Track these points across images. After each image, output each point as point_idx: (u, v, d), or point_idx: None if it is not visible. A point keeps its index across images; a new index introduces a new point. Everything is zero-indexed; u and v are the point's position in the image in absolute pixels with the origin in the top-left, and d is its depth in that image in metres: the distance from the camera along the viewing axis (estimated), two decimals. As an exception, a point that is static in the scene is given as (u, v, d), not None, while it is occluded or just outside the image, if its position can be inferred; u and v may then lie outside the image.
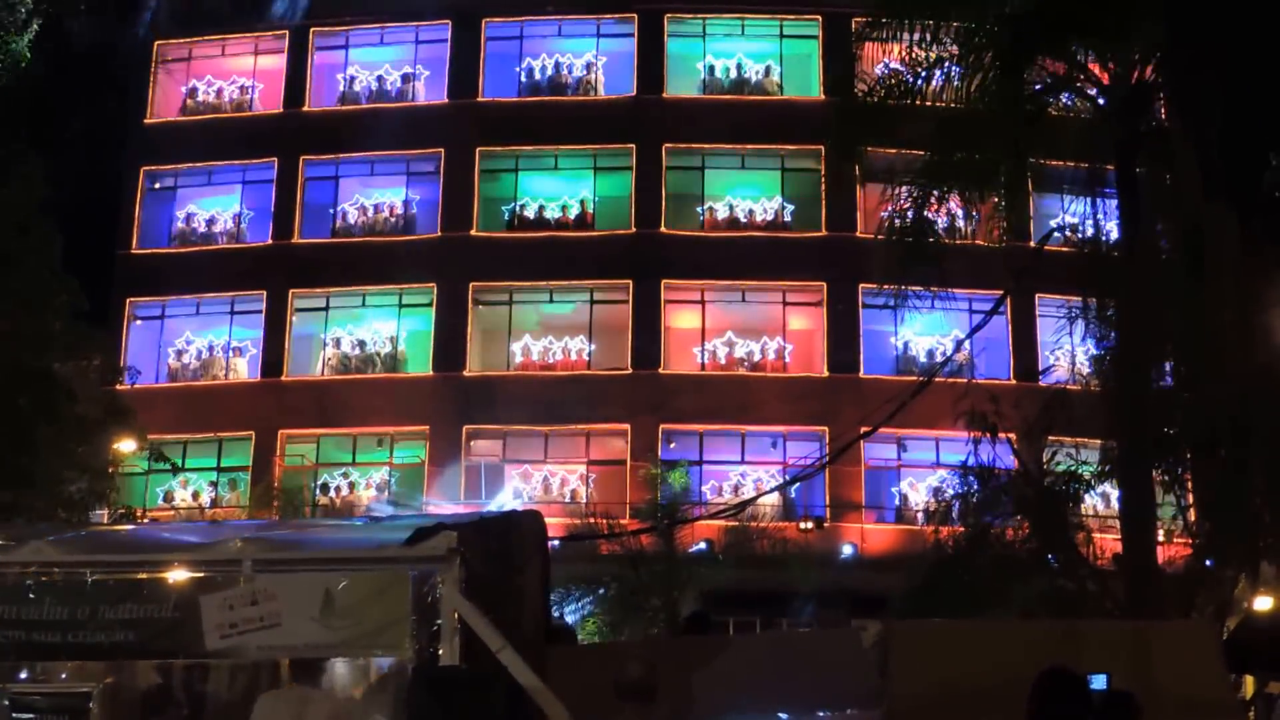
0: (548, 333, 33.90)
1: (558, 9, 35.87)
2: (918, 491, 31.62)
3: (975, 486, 17.14)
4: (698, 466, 32.08)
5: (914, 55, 15.15)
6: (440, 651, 6.18)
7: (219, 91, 36.84)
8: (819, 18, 34.77)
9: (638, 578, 26.79)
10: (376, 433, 33.60)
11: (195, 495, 33.01)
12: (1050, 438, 17.50)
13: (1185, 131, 14.23)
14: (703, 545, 28.54)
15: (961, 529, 17.53)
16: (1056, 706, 5.75)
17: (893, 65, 15.56)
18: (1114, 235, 16.18)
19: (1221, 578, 16.00)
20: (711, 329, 33.68)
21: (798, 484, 28.23)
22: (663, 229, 34.15)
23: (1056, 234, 18.02)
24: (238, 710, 8.89)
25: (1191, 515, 16.58)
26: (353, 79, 36.21)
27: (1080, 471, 17.02)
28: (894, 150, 16.51)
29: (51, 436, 18.80)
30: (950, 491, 18.51)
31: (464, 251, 34.18)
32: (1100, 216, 16.65)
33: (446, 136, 34.97)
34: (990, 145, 14.76)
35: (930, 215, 15.16)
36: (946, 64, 15.14)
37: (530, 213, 34.78)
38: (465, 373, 33.73)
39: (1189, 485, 16.60)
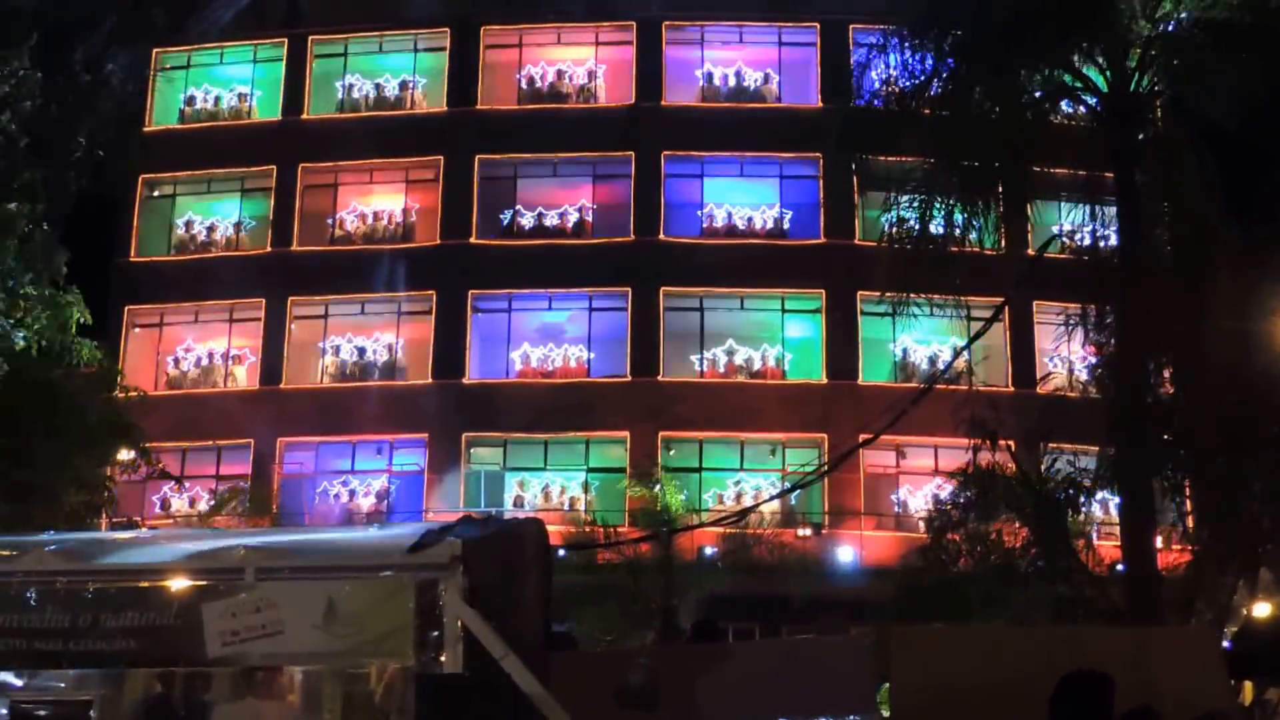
0: (547, 340, 33.92)
1: (556, 17, 35.93)
2: (917, 498, 31.63)
3: (973, 494, 17.11)
4: (697, 473, 32.09)
5: (913, 64, 15.18)
6: (443, 659, 6.19)
7: (217, 99, 36.88)
8: (817, 25, 34.86)
9: (636, 586, 26.79)
10: (376, 440, 33.60)
11: (193, 503, 32.98)
12: (1049, 444, 17.48)
13: (1184, 139, 14.29)
14: (709, 551, 28.57)
15: (959, 536, 17.52)
16: (1082, 709, 5.73)
17: (892, 74, 15.59)
18: (1113, 242, 16.19)
19: (1220, 584, 15.98)
20: (710, 336, 33.69)
21: (797, 491, 28.21)
22: (661, 236, 34.20)
23: (1056, 241, 18.03)
24: (238, 719, 8.89)
25: (1190, 521, 16.57)
26: (351, 87, 36.25)
27: (1079, 478, 17.01)
28: (894, 158, 16.52)
29: (51, 448, 18.79)
30: (948, 498, 18.50)
31: (463, 259, 34.21)
32: (1098, 222, 16.65)
33: (445, 144, 35.03)
34: (990, 153, 14.79)
35: (930, 224, 15.18)
36: (945, 73, 15.17)
37: (529, 220, 34.82)
38: (464, 380, 33.75)
39: (1188, 491, 16.59)
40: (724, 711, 7.74)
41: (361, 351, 34.41)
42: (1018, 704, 6.18)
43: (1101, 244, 16.85)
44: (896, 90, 15.50)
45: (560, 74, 35.65)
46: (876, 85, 16.05)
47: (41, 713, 8.15)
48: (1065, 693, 5.79)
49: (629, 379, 33.21)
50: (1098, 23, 14.30)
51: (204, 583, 6.60)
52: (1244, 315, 14.36)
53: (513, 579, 7.10)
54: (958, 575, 17.31)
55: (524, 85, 35.72)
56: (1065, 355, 25.27)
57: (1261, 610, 17.25)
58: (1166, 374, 16.08)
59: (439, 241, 34.69)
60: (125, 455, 21.71)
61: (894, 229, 15.84)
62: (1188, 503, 16.46)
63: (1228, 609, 16.02)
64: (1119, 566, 15.98)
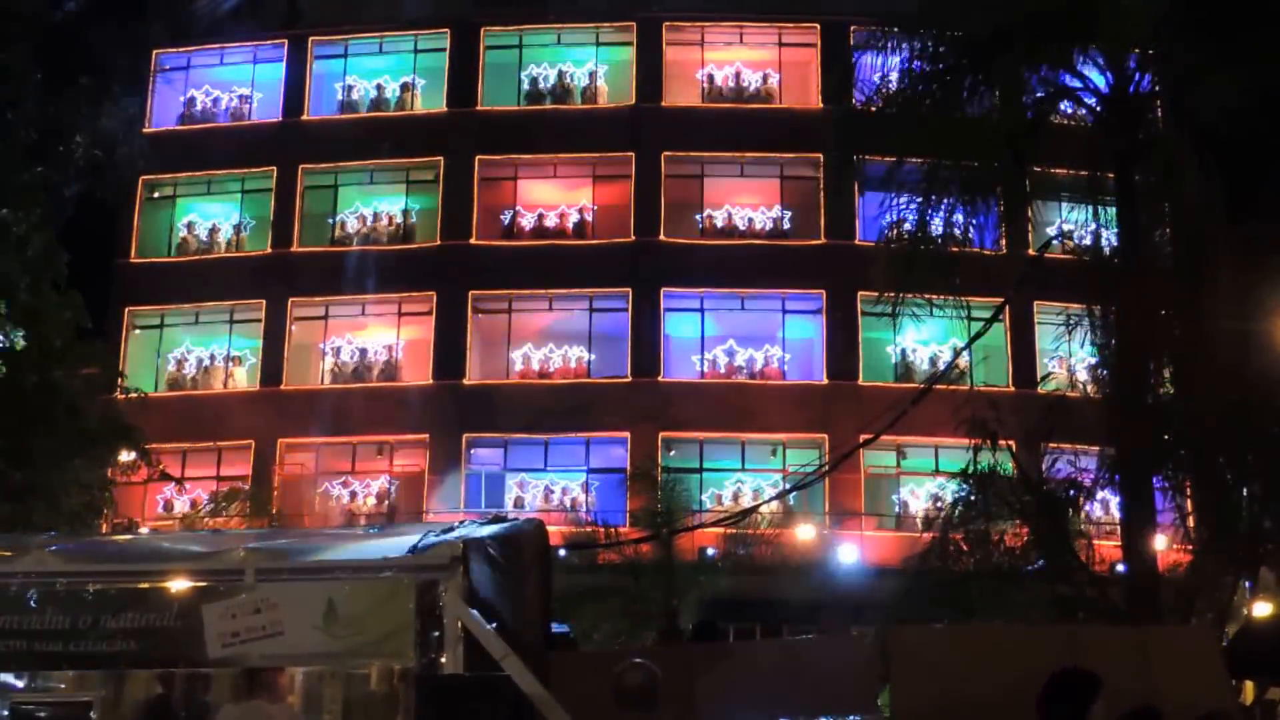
0: (547, 341, 33.92)
1: (557, 18, 35.94)
2: (918, 499, 31.64)
3: (974, 494, 17.10)
4: (697, 474, 32.08)
5: (911, 64, 15.17)
6: (443, 660, 6.20)
7: (217, 101, 36.88)
8: (817, 26, 34.85)
9: (637, 586, 26.77)
10: (376, 441, 33.60)
11: (194, 504, 32.96)
12: (1050, 445, 17.47)
13: (1184, 139, 14.30)
14: (710, 552, 28.55)
15: (960, 535, 17.51)
16: (1063, 704, 5.76)
17: (891, 75, 15.59)
18: (1113, 243, 16.18)
19: (1221, 584, 15.99)
20: (711, 337, 33.71)
21: (797, 491, 28.19)
22: (662, 237, 34.20)
23: (1055, 241, 18.01)
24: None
25: (1190, 521, 16.57)
26: (351, 88, 36.26)
27: (1079, 478, 16.99)
28: (894, 158, 16.50)
29: (51, 449, 18.77)
30: (950, 498, 18.49)
31: (463, 260, 34.21)
32: (1099, 222, 16.64)
33: (445, 145, 35.02)
34: (990, 154, 14.78)
35: (930, 224, 15.17)
36: (942, 73, 15.16)
37: (529, 221, 34.83)
38: (465, 381, 33.75)
39: (1188, 491, 16.60)
40: (724, 711, 7.74)
41: (362, 352, 34.41)
42: (1018, 704, 6.18)
43: (1102, 244, 16.84)
44: (895, 91, 15.49)
45: (561, 74, 35.65)
46: (876, 85, 16.04)
47: (42, 714, 8.15)
48: (1052, 691, 5.83)
49: (629, 379, 33.21)
50: (1089, 26, 14.28)
51: (204, 584, 6.62)
52: (1244, 315, 14.37)
53: (513, 580, 7.11)
54: (959, 575, 17.29)
55: (525, 85, 35.73)
56: (1065, 355, 25.29)
57: (1261, 610, 17.26)
58: (1166, 374, 16.07)
59: (439, 242, 34.69)
60: (126, 457, 21.69)
61: (894, 229, 15.84)
62: (1188, 503, 16.46)
63: (1228, 609, 16.03)
64: (1119, 566, 15.98)
